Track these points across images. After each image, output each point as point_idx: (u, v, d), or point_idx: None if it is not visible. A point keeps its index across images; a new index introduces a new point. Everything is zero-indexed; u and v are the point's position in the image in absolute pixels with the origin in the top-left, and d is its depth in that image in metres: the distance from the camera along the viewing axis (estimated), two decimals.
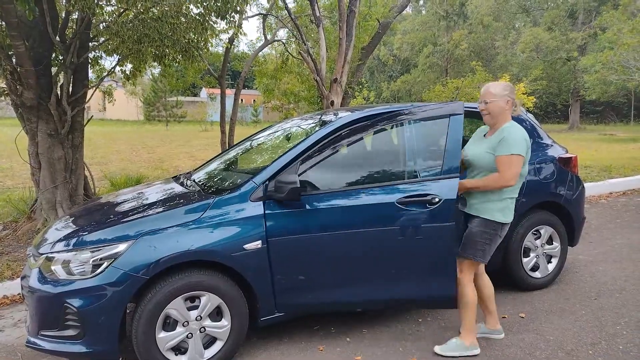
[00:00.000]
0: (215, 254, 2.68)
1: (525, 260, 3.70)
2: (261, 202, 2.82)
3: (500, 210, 2.74)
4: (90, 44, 6.00)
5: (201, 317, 2.69)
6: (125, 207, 3.16)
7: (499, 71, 27.16)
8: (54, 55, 5.80)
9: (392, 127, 3.19)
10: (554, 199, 3.75)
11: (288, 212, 2.82)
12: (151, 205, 3.07)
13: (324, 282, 2.87)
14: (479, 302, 2.96)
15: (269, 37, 10.62)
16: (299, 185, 2.68)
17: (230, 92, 13.49)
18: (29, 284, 2.66)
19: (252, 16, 10.38)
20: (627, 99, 31.71)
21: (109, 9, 6.20)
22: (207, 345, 2.74)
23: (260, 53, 11.91)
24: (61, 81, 5.70)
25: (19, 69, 5.11)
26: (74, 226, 2.96)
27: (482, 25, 33.50)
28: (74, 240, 2.69)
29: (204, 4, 5.64)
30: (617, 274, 4.10)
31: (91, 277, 2.51)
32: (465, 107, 3.06)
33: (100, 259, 2.54)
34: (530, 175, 3.62)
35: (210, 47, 7.31)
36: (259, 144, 4.09)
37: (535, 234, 3.75)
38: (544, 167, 3.73)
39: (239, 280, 2.77)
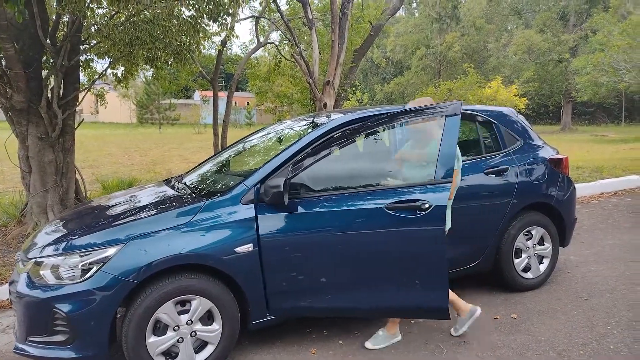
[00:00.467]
0: (206, 257, 2.66)
1: (516, 261, 3.71)
2: (252, 205, 2.81)
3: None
4: (81, 46, 5.97)
5: (192, 321, 2.67)
6: (115, 210, 3.14)
7: (491, 73, 27.30)
8: (44, 58, 5.76)
9: (384, 130, 3.17)
10: (545, 199, 3.77)
11: (279, 215, 2.81)
12: (141, 208, 3.05)
13: (315, 286, 2.85)
14: None
15: (261, 39, 10.61)
16: (282, 190, 2.65)
17: (223, 95, 13.45)
18: (17, 289, 2.62)
19: (245, 19, 10.38)
20: (618, 100, 32.02)
21: (100, 11, 6.18)
22: (198, 350, 2.72)
23: (254, 55, 11.91)
24: (52, 84, 5.66)
25: (8, 72, 5.06)
26: (64, 230, 2.92)
27: (475, 28, 33.73)
28: (63, 244, 2.65)
29: (196, 6, 5.62)
30: (608, 274, 4.12)
31: (80, 282, 2.48)
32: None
33: (90, 264, 2.51)
34: (521, 176, 3.64)
35: (202, 50, 7.31)
36: (251, 147, 4.08)
37: (526, 235, 3.76)
38: (535, 168, 3.75)
39: (230, 284, 2.76)
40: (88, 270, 2.50)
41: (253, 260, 2.75)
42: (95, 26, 5.91)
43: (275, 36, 13.07)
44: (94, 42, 6.07)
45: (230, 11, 6.26)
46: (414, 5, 39.99)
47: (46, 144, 5.50)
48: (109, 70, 6.87)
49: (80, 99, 6.04)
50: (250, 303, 2.80)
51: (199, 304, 2.66)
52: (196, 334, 2.69)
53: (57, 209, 5.51)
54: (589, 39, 25.18)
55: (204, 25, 6.11)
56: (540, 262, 3.87)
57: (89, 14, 4.99)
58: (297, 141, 3.06)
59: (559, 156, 3.93)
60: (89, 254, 2.53)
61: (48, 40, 5.33)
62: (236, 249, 2.71)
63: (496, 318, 3.34)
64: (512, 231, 3.64)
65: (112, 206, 3.31)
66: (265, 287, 2.80)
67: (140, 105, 42.07)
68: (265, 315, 2.87)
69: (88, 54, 6.66)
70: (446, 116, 2.87)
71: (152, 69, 6.94)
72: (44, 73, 5.64)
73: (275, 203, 2.73)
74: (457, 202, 3.30)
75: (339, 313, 3.02)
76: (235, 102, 47.86)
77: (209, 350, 2.74)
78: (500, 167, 3.61)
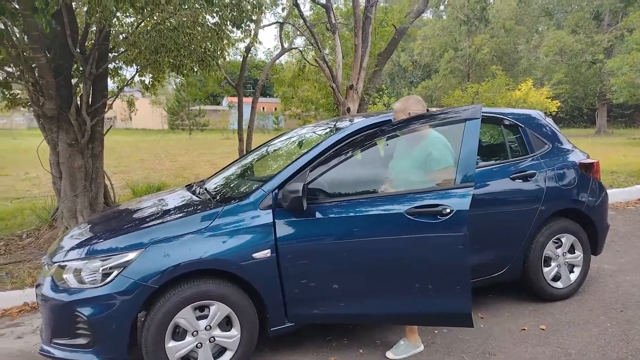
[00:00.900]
0: (224, 262, 2.65)
1: (546, 269, 3.57)
2: (270, 210, 2.79)
3: None
4: (109, 54, 6.12)
5: (210, 327, 2.66)
6: (137, 215, 3.18)
7: (522, 75, 26.68)
8: (74, 66, 5.93)
9: (404, 134, 3.12)
10: (575, 206, 3.62)
11: (297, 220, 2.78)
12: (162, 214, 3.07)
13: (334, 293, 2.80)
14: None
15: (285, 45, 10.66)
16: (300, 195, 2.63)
17: (248, 100, 13.58)
18: (42, 292, 2.68)
19: (269, 25, 10.47)
20: None
21: (128, 20, 6.33)
22: (216, 356, 2.71)
23: (279, 61, 11.99)
24: (81, 92, 5.81)
25: (40, 81, 5.23)
26: (87, 234, 2.98)
27: (504, 29, 33.05)
28: (85, 248, 2.70)
29: (220, 13, 5.68)
30: None
31: (101, 286, 2.51)
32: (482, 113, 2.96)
33: (110, 268, 2.54)
34: (550, 181, 3.51)
35: (227, 57, 7.38)
36: (271, 152, 4.07)
37: (556, 243, 3.61)
38: (564, 173, 3.60)
39: (248, 290, 2.74)
40: (109, 274, 2.53)
41: (271, 266, 2.73)
42: (123, 35, 6.06)
43: (300, 41, 13.13)
44: (121, 50, 6.23)
45: (254, 17, 6.31)
46: (442, 7, 39.57)
47: (76, 150, 5.64)
48: (137, 78, 7.03)
49: (108, 106, 6.18)
50: (269, 309, 2.78)
51: (218, 310, 2.66)
52: (215, 339, 2.68)
53: (86, 214, 5.64)
54: (625, 39, 24.28)
55: (227, 32, 6.17)
56: (571, 271, 3.71)
57: (115, 22, 5.10)
58: (315, 146, 3.03)
59: (589, 160, 3.77)
60: (109, 258, 2.56)
61: (77, 49, 5.48)
62: (254, 255, 2.69)
63: (524, 329, 3.21)
64: (541, 239, 3.51)
65: (134, 211, 3.35)
66: (284, 294, 2.77)
67: (171, 111, 42.96)
68: (284, 322, 2.84)
69: (116, 62, 6.83)
70: (466, 120, 2.80)
71: (179, 76, 7.04)
72: (74, 81, 5.80)
73: (293, 208, 2.71)
74: (481, 207, 3.21)
75: (358, 320, 2.97)
76: (263, 108, 48.36)
77: (227, 356, 2.72)
78: (527, 172, 3.48)
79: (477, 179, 3.26)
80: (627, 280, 4.05)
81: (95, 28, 5.72)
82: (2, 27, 5.12)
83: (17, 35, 5.28)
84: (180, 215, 2.94)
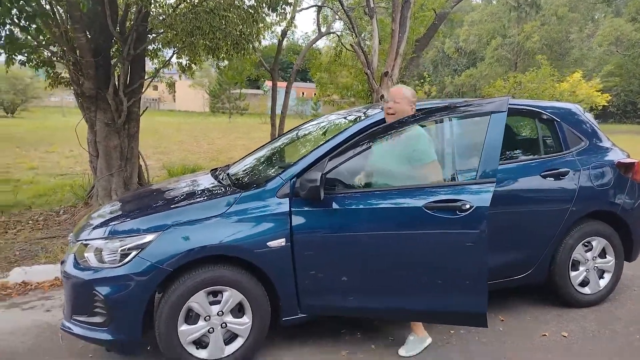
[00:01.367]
0: (238, 249, 2.66)
1: (573, 274, 3.41)
2: (287, 199, 2.77)
3: None
4: (148, 36, 6.22)
5: (223, 312, 2.68)
6: (158, 198, 3.23)
7: (573, 66, 25.41)
8: (113, 47, 6.07)
9: (426, 126, 3.01)
10: (610, 208, 3.42)
11: (314, 210, 2.75)
12: (182, 197, 3.11)
13: (348, 286, 2.77)
14: None
15: (323, 29, 10.54)
16: (318, 184, 2.59)
17: (283, 85, 13.59)
18: (64, 269, 2.77)
19: (307, 8, 10.36)
20: None
21: (168, 1, 6.39)
22: (228, 341, 2.73)
23: (317, 46, 11.88)
24: (119, 72, 5.96)
25: (80, 60, 5.38)
26: (111, 214, 3.05)
27: (557, 17, 31.49)
28: (107, 228, 2.75)
29: None
30: None
31: (119, 266, 2.57)
32: (512, 105, 2.82)
33: (129, 249, 2.59)
34: (583, 180, 3.33)
35: (262, 40, 7.37)
36: (296, 138, 4.04)
37: (586, 246, 3.44)
38: (600, 172, 3.40)
39: (261, 278, 2.75)
40: (127, 255, 2.58)
41: (285, 256, 2.71)
42: (162, 16, 6.14)
43: (338, 26, 12.94)
44: (160, 31, 6.32)
45: (290, 1, 6.25)
46: None
47: (112, 129, 5.80)
48: (174, 59, 7.14)
49: (145, 87, 6.31)
50: (281, 299, 2.77)
51: (230, 296, 2.67)
52: (226, 325, 2.70)
53: (120, 193, 5.82)
54: None
55: (263, 15, 6.14)
56: (601, 277, 3.53)
57: (153, 3, 5.15)
58: (336, 135, 2.98)
59: (628, 160, 3.54)
60: (128, 239, 2.62)
61: (117, 30, 5.60)
62: (269, 243, 2.68)
63: (544, 335, 3.08)
64: (570, 241, 3.34)
65: (157, 194, 3.42)
66: (297, 284, 2.76)
67: (213, 94, 43.56)
68: (296, 312, 2.83)
69: (155, 43, 6.95)
70: (491, 112, 2.67)
71: (213, 59, 7.09)
72: (112, 62, 5.95)
73: (310, 198, 2.67)
74: (507, 205, 3.09)
75: (371, 315, 2.93)
76: (303, 93, 48.29)
77: (238, 342, 2.74)
78: (559, 170, 3.31)
79: (505, 174, 3.15)
80: None
81: (134, 9, 5.82)
82: (48, 7, 5.30)
83: (62, 16, 5.45)
84: (199, 200, 2.97)
